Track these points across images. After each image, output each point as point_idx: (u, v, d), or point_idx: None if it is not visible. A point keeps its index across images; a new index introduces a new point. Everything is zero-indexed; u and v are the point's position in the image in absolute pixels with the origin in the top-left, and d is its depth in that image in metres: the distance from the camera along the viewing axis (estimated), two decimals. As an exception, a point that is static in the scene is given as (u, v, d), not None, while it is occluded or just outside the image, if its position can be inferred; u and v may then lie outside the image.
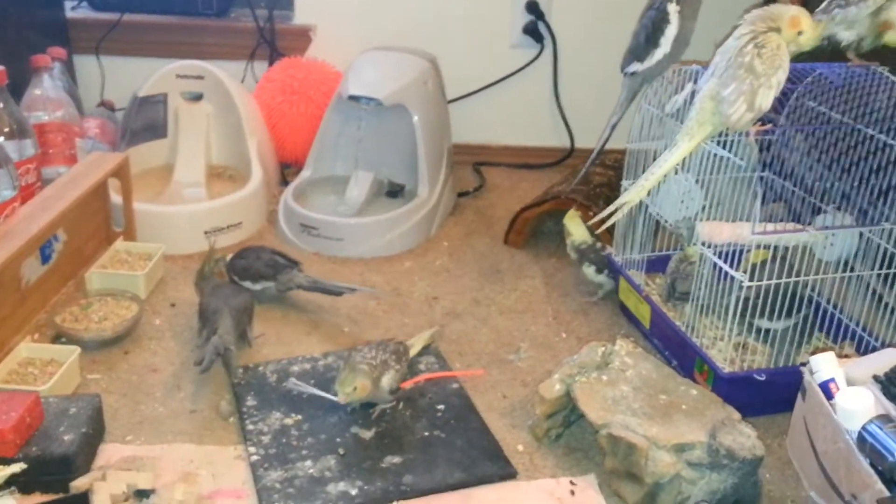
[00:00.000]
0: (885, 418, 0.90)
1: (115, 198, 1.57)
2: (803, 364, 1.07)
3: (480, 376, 1.32)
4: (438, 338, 1.39)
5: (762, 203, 1.51)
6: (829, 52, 1.28)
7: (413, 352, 1.30)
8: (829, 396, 0.97)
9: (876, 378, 0.98)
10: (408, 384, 1.25)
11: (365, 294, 1.52)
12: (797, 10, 1.12)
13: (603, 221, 1.27)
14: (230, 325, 1.28)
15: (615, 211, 1.24)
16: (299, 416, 1.17)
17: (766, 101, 1.10)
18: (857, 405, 0.92)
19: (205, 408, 1.21)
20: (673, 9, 1.29)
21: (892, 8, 1.21)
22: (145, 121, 1.84)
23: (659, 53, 1.32)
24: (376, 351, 1.18)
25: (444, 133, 1.90)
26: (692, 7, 1.30)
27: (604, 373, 1.19)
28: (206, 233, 1.62)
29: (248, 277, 1.46)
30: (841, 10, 1.22)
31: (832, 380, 0.98)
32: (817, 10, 1.26)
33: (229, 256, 1.49)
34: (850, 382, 0.99)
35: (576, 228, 1.56)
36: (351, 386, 1.13)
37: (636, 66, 1.35)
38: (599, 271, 1.53)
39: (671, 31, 1.31)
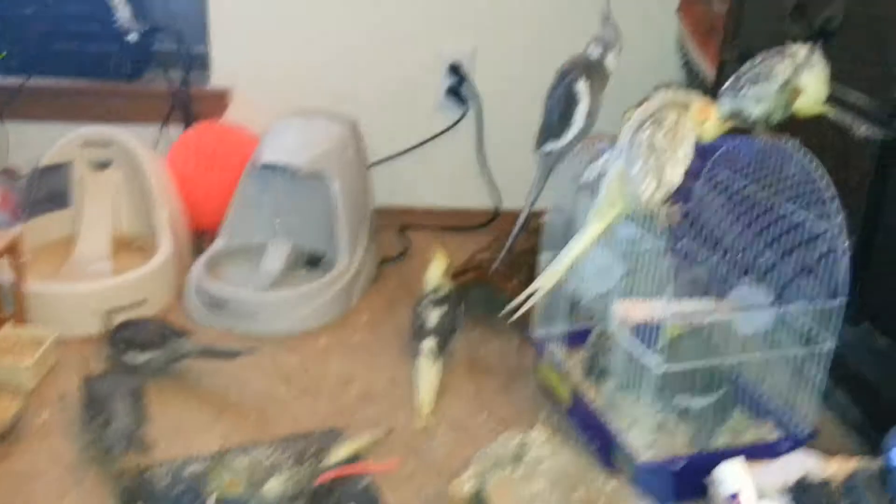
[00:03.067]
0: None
1: (7, 276, 1.48)
2: (722, 453, 1.03)
3: (394, 468, 1.25)
4: (381, 443, 1.28)
5: (688, 265, 1.49)
6: (739, 126, 1.26)
7: (337, 457, 1.20)
8: (737, 510, 0.93)
9: (785, 489, 0.94)
10: (315, 483, 1.17)
11: (275, 378, 1.45)
12: (706, 102, 1.10)
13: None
14: (128, 410, 1.21)
15: (530, 297, 1.20)
16: (190, 525, 1.09)
17: (675, 175, 1.08)
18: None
19: (89, 516, 1.12)
20: (583, 86, 1.29)
21: (801, 75, 1.20)
22: (48, 190, 1.76)
23: (573, 130, 1.32)
24: (273, 450, 1.10)
25: (366, 199, 1.85)
26: (600, 82, 1.29)
27: (519, 466, 1.13)
28: (106, 312, 1.53)
29: (133, 347, 1.40)
30: (750, 87, 1.20)
31: (739, 493, 0.94)
32: (725, 86, 1.24)
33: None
34: (760, 492, 0.95)
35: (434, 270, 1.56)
36: (217, 481, 1.06)
37: (552, 145, 1.35)
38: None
39: (583, 108, 1.30)
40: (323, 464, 1.17)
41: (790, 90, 1.20)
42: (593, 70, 1.30)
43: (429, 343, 1.47)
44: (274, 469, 1.09)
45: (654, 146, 1.07)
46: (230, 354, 1.39)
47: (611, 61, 1.31)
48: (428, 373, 1.44)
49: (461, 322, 1.54)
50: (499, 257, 1.60)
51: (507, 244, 1.52)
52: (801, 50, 1.19)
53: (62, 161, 1.76)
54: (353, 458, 1.23)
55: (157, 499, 1.14)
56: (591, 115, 1.30)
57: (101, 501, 1.15)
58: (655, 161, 1.08)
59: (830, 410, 1.39)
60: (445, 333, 1.49)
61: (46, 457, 1.23)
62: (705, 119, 1.09)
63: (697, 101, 1.10)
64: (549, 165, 1.37)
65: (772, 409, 1.29)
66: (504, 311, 1.23)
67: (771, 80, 1.19)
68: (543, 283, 1.18)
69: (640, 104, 1.22)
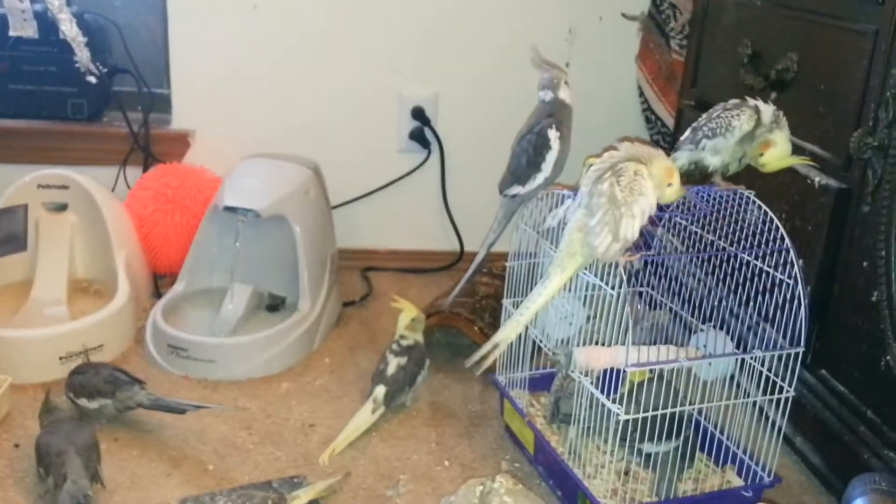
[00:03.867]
0: None
1: (-40, 324, 1.45)
2: (685, 500, 1.03)
3: (355, 517, 1.23)
4: (341, 490, 1.28)
5: (649, 309, 1.50)
6: (697, 176, 1.28)
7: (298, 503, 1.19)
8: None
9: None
10: (274, 533, 1.15)
11: (235, 425, 1.42)
12: (672, 164, 1.12)
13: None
14: (80, 466, 1.17)
15: (494, 348, 1.19)
16: (146, 582, 1.06)
17: (630, 231, 1.09)
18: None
19: (41, 575, 1.08)
20: (553, 134, 1.30)
21: (774, 132, 1.23)
22: (3, 233, 1.72)
23: (540, 178, 1.33)
24: (234, 501, 1.08)
25: (328, 242, 1.84)
26: (568, 129, 1.31)
27: (481, 516, 1.12)
28: (61, 358, 1.50)
29: (84, 394, 1.37)
30: (708, 140, 1.23)
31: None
32: (683, 138, 1.27)
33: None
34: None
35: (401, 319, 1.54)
36: None
37: (517, 189, 1.35)
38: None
39: (552, 156, 1.31)
40: (284, 513, 1.15)
41: (759, 143, 1.23)
42: (562, 117, 1.31)
43: (379, 390, 1.46)
44: (234, 522, 1.07)
45: (614, 198, 1.08)
46: (179, 410, 1.36)
47: (566, 95, 1.32)
48: (360, 417, 1.43)
49: (421, 376, 1.52)
50: (453, 293, 1.60)
51: (461, 282, 1.52)
52: (766, 108, 1.22)
53: (18, 203, 1.73)
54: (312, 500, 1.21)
55: (112, 554, 1.11)
56: (559, 164, 1.31)
57: (53, 557, 1.11)
58: (612, 215, 1.08)
59: (792, 456, 1.40)
60: (398, 385, 1.48)
61: (-2, 510, 1.20)
62: (671, 182, 1.11)
63: (661, 161, 1.11)
64: (513, 209, 1.38)
65: (734, 456, 1.29)
66: (469, 362, 1.22)
67: (728, 134, 1.22)
68: (506, 334, 1.18)
69: (602, 152, 1.24)
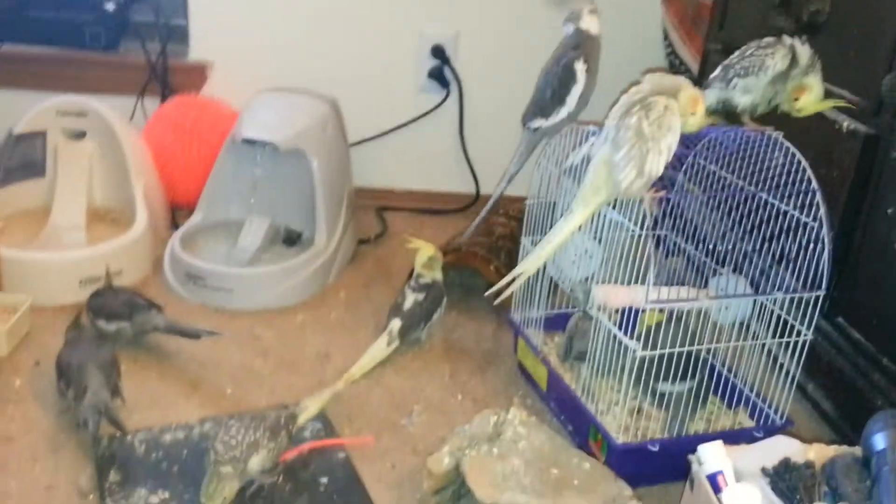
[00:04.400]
0: (772, 519, 0.87)
1: (-19, 244, 1.45)
2: (697, 438, 1.04)
3: (369, 444, 1.25)
4: (340, 398, 1.30)
5: (665, 256, 1.50)
6: (723, 114, 1.27)
7: (306, 417, 1.20)
8: (717, 490, 0.94)
9: (765, 471, 0.95)
10: (290, 454, 1.17)
11: (251, 352, 1.44)
12: (697, 93, 1.10)
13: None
14: (102, 381, 1.19)
15: (513, 281, 1.19)
16: (166, 494, 1.08)
17: (655, 167, 1.08)
18: (744, 507, 0.89)
19: (63, 483, 1.10)
20: (580, 67, 1.27)
21: (810, 75, 1.21)
22: (21, 159, 1.72)
23: (564, 111, 1.30)
24: (246, 429, 1.08)
25: (345, 179, 1.84)
26: (595, 63, 1.28)
27: (495, 445, 1.13)
28: (81, 282, 1.51)
29: (102, 316, 1.39)
30: (740, 79, 1.21)
31: (721, 472, 0.95)
32: (713, 76, 1.25)
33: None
34: (738, 474, 0.96)
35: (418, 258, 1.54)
36: (219, 499, 1.04)
37: (540, 122, 1.33)
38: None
39: (577, 90, 1.29)
40: (296, 431, 1.16)
41: (794, 87, 1.21)
42: (589, 49, 1.28)
43: (394, 323, 1.47)
44: (252, 449, 1.08)
45: (642, 132, 1.07)
46: (193, 334, 1.37)
47: (592, 25, 1.29)
48: (375, 348, 1.44)
49: (437, 313, 1.52)
50: (469, 229, 1.59)
51: (479, 217, 1.52)
52: (801, 48, 1.19)
53: (37, 130, 1.72)
54: (326, 426, 1.24)
55: (135, 465, 1.13)
56: (584, 98, 1.28)
57: (77, 467, 1.13)
58: (639, 150, 1.07)
59: (803, 402, 1.41)
60: (414, 319, 1.48)
61: (21, 422, 1.21)
62: (694, 111, 1.09)
63: (687, 90, 1.09)
64: (535, 142, 1.36)
65: (747, 400, 1.30)
66: (487, 294, 1.22)
67: (760, 73, 1.20)
68: (526, 267, 1.17)
69: (628, 88, 1.23)
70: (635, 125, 1.08)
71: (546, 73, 1.31)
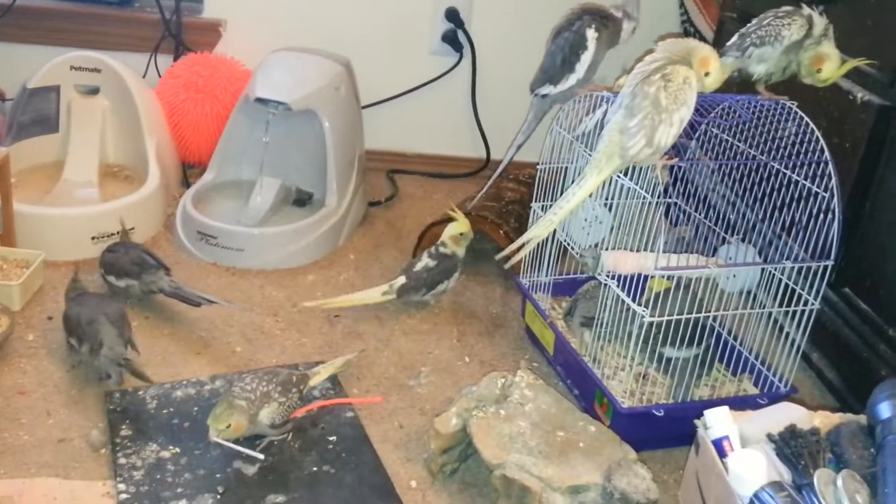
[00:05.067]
0: (777, 486, 0.88)
1: (-5, 198, 1.46)
2: (701, 404, 1.05)
3: (378, 403, 1.27)
4: (357, 371, 1.32)
5: (672, 225, 1.51)
6: (738, 82, 1.26)
7: (317, 380, 1.22)
8: (723, 454, 0.95)
9: (770, 437, 0.96)
10: (299, 412, 1.19)
11: (262, 311, 1.45)
12: (708, 51, 1.09)
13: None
14: (115, 334, 1.21)
15: (524, 245, 1.20)
16: (177, 449, 1.10)
17: (665, 138, 1.08)
18: (749, 471, 0.90)
19: (75, 436, 1.12)
20: (591, 34, 1.27)
21: (823, 44, 1.20)
22: (35, 114, 1.73)
23: (573, 78, 1.30)
24: (259, 381, 1.11)
25: (357, 140, 1.84)
26: (609, 38, 1.27)
27: (502, 407, 1.15)
28: (93, 238, 1.52)
29: (112, 272, 1.41)
30: (756, 48, 1.20)
31: (726, 437, 0.96)
32: (729, 43, 1.24)
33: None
34: (744, 440, 0.97)
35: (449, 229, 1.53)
36: (224, 423, 1.07)
37: (548, 89, 1.32)
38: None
39: (587, 57, 1.28)
40: (307, 392, 1.18)
41: (811, 58, 1.20)
42: (607, 22, 1.28)
43: (398, 280, 1.49)
44: (265, 399, 1.10)
45: (659, 102, 1.07)
46: (195, 302, 1.38)
47: (626, 29, 1.29)
48: (368, 292, 1.47)
49: (444, 284, 1.52)
50: (479, 194, 1.59)
51: (488, 184, 1.52)
52: (818, 19, 1.19)
53: (50, 84, 1.73)
54: (335, 385, 1.26)
55: (146, 420, 1.15)
56: (593, 67, 1.28)
57: (89, 420, 1.16)
58: (651, 119, 1.07)
59: (807, 371, 1.42)
60: (417, 283, 1.49)
61: (34, 376, 1.23)
62: (707, 71, 1.09)
63: (699, 52, 1.09)
64: (544, 109, 1.36)
65: (752, 367, 1.31)
66: (498, 257, 1.23)
67: (776, 43, 1.20)
68: (538, 232, 1.18)
69: (643, 57, 1.22)
70: (653, 94, 1.08)
71: (556, 38, 1.30)
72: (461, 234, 1.52)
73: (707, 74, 1.09)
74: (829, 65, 1.20)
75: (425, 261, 1.51)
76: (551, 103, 1.34)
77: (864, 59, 1.24)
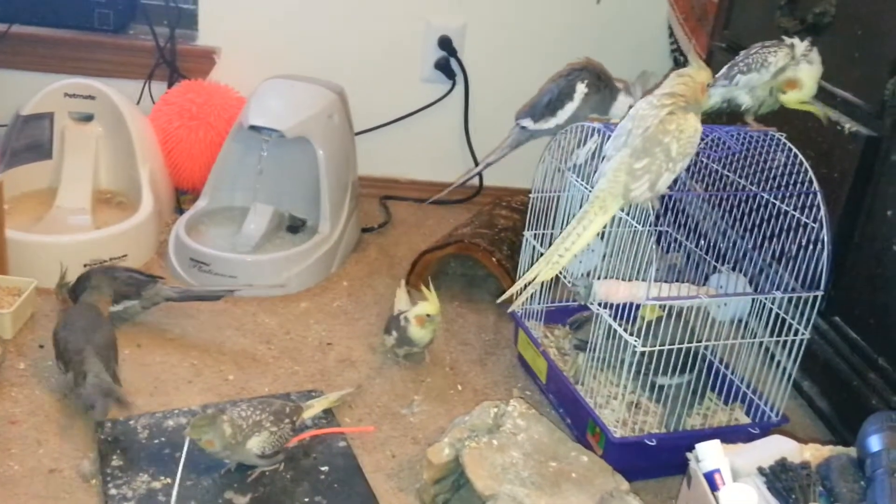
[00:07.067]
0: (767, 518, 0.88)
1: (-13, 225, 1.46)
2: (693, 434, 1.06)
3: (370, 433, 1.26)
4: (353, 404, 1.31)
5: (665, 251, 1.52)
6: (727, 113, 1.28)
7: (311, 413, 1.22)
8: (714, 488, 0.95)
9: (761, 470, 0.97)
10: (292, 442, 1.18)
11: (254, 339, 1.45)
12: (707, 76, 1.10)
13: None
14: (101, 367, 1.20)
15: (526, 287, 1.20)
16: (168, 480, 1.09)
17: (665, 185, 1.11)
18: (741, 505, 0.90)
19: (66, 467, 1.12)
20: (581, 89, 1.31)
21: (800, 66, 1.22)
22: (28, 140, 1.73)
23: (552, 122, 1.36)
24: (253, 410, 1.11)
25: (350, 167, 1.85)
26: (599, 99, 1.31)
27: (495, 436, 1.15)
28: (85, 265, 1.52)
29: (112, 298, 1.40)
30: (743, 75, 1.22)
31: (717, 470, 0.96)
32: (719, 74, 1.26)
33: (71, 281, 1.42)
34: (735, 473, 0.97)
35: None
36: (198, 435, 1.07)
37: (528, 123, 1.38)
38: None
39: (570, 108, 1.33)
40: (300, 423, 1.18)
41: (784, 79, 1.22)
42: (602, 87, 1.32)
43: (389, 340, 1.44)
44: (255, 428, 1.10)
45: (670, 152, 1.08)
46: (212, 297, 1.37)
47: (621, 103, 1.33)
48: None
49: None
50: (441, 193, 1.62)
51: (454, 184, 1.54)
52: (800, 43, 1.21)
53: (44, 111, 1.73)
54: (327, 414, 1.25)
55: (137, 450, 1.14)
56: (575, 117, 1.33)
57: (80, 450, 1.15)
58: (659, 167, 1.09)
59: (798, 399, 1.43)
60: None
61: (25, 405, 1.23)
62: (707, 95, 1.12)
63: (700, 76, 1.10)
64: (520, 140, 1.41)
65: (743, 396, 1.32)
66: (499, 301, 1.24)
67: (763, 70, 1.22)
68: (545, 275, 1.15)
69: (640, 76, 1.24)
70: (666, 144, 1.08)
71: (551, 81, 1.35)
72: (427, 315, 1.39)
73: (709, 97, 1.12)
74: (796, 94, 1.22)
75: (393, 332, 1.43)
76: (529, 137, 1.39)
77: (819, 111, 1.26)
